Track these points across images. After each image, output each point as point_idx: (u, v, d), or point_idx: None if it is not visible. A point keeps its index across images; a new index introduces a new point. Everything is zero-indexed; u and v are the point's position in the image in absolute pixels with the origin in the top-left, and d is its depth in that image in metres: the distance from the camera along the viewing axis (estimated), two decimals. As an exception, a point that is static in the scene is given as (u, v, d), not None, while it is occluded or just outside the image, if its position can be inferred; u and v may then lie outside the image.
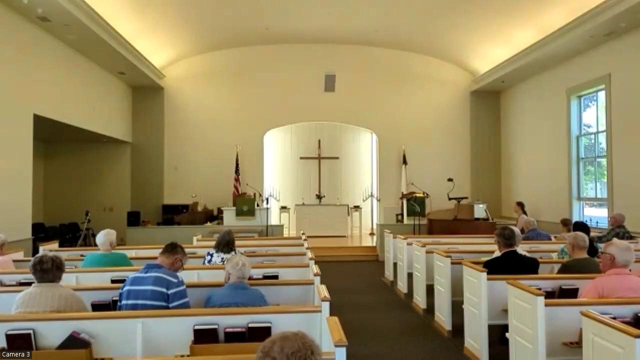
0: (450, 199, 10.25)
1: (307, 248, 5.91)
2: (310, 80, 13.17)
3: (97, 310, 3.44)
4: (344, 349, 2.25)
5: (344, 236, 12.83)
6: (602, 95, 9.39)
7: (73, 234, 11.59)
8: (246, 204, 11.11)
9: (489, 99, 13.72)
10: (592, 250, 4.94)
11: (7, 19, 7.49)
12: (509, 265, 4.32)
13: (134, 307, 3.13)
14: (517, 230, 4.65)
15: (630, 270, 3.50)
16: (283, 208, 13.27)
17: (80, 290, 3.37)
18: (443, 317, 5.33)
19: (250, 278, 3.66)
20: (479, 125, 13.72)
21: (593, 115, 9.94)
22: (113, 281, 4.16)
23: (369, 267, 9.75)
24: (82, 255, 5.27)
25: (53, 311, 2.93)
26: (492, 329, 4.30)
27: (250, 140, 13.21)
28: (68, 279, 4.01)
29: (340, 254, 10.73)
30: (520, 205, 9.63)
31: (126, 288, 3.22)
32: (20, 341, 2.71)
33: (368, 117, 13.57)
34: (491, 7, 9.90)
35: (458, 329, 4.95)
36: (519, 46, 10.68)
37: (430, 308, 5.88)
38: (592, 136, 9.96)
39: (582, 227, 5.70)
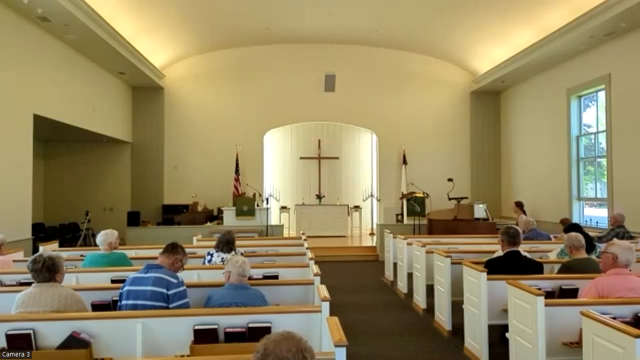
0: (450, 199, 10.24)
1: (307, 248, 5.91)
2: (310, 80, 13.17)
3: (97, 310, 3.44)
4: (344, 349, 2.25)
5: (344, 236, 12.83)
6: (602, 95, 9.39)
7: (73, 234, 11.60)
8: (246, 204, 11.11)
9: (489, 99, 13.72)
10: (590, 247, 4.94)
11: (7, 19, 7.49)
12: (511, 265, 4.32)
13: (134, 307, 3.13)
14: (520, 230, 4.65)
15: (630, 270, 3.50)
16: (283, 208, 13.27)
17: (80, 290, 3.36)
18: (443, 317, 5.32)
19: (250, 278, 3.66)
20: (479, 125, 13.72)
21: (593, 115, 9.94)
22: (113, 281, 4.16)
23: (369, 267, 9.74)
24: (82, 255, 5.27)
25: (53, 311, 2.93)
26: (492, 329, 4.30)
27: (250, 140, 13.21)
28: (68, 279, 4.00)
29: (340, 254, 10.73)
30: (519, 205, 9.58)
31: (126, 288, 3.22)
32: (20, 341, 2.71)
33: (368, 117, 13.58)
34: (491, 7, 9.90)
35: (458, 329, 4.96)
36: (519, 46, 10.68)
37: (430, 308, 5.88)
38: (592, 136, 9.96)
39: (575, 227, 5.66)
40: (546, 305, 3.31)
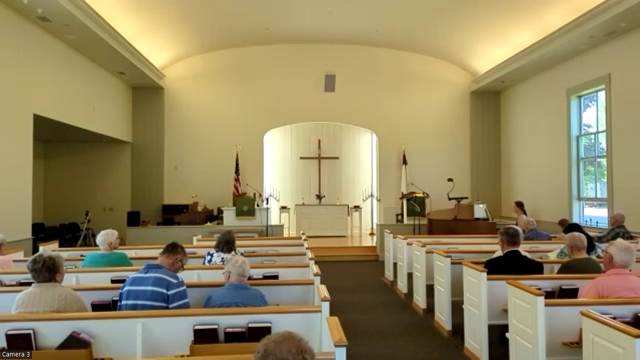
0: (450, 199, 10.24)
1: (307, 248, 5.91)
2: (310, 80, 13.17)
3: (97, 310, 3.44)
4: (344, 349, 2.25)
5: (344, 236, 12.83)
6: (602, 95, 9.39)
7: (73, 234, 11.59)
8: (246, 204, 11.11)
9: (489, 99, 13.72)
10: (590, 247, 4.94)
11: (7, 19, 7.49)
12: (511, 265, 4.32)
13: (134, 307, 3.13)
14: (520, 230, 4.65)
15: (630, 270, 3.50)
16: (283, 208, 13.27)
17: (80, 290, 3.36)
18: (443, 317, 5.32)
19: (250, 278, 3.66)
20: (479, 125, 13.72)
21: (593, 115, 9.94)
22: (113, 281, 4.16)
23: (369, 267, 9.74)
24: (82, 255, 5.27)
25: (53, 311, 2.93)
26: (492, 329, 4.30)
27: (250, 140, 13.21)
28: (68, 279, 4.00)
29: (340, 254, 10.72)
30: (520, 205, 9.59)
31: (126, 288, 3.22)
32: (20, 341, 2.71)
33: (368, 117, 13.58)
34: (491, 7, 9.90)
35: (458, 329, 4.96)
36: (519, 46, 10.68)
37: (430, 308, 5.88)
38: (592, 136, 9.96)
39: (575, 227, 5.67)
40: (546, 305, 3.31)
